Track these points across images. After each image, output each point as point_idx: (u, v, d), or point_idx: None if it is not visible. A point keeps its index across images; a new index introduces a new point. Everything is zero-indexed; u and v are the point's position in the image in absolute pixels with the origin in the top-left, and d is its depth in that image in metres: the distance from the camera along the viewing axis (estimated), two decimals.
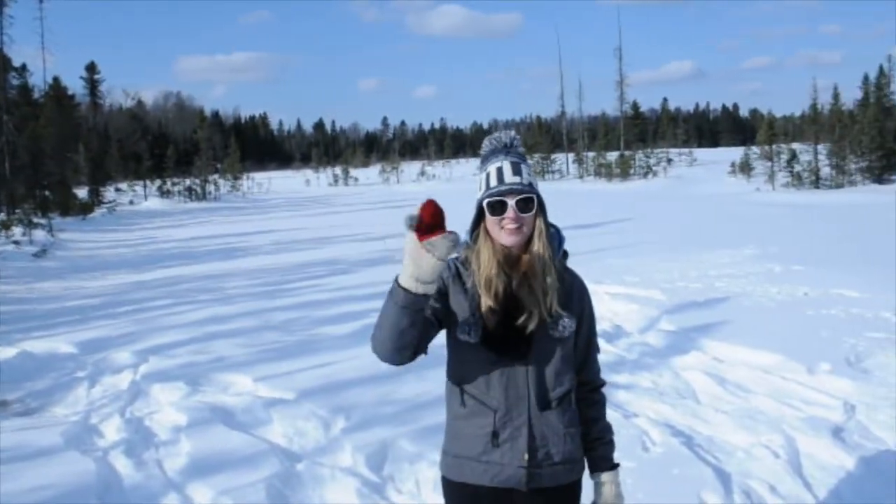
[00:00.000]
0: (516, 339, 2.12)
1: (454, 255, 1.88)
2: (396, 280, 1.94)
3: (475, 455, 2.17)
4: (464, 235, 2.22)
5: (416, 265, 1.88)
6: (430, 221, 1.85)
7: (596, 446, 2.30)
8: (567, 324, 2.16)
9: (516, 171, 2.13)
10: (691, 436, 4.75)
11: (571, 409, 2.23)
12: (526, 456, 2.14)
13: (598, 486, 2.30)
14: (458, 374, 2.22)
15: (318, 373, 6.24)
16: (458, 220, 2.23)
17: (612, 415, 4.80)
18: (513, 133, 2.26)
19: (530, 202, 2.11)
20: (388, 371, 6.09)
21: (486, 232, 2.15)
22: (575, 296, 2.23)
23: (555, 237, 2.22)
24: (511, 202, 2.09)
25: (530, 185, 2.13)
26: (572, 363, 2.23)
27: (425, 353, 2.14)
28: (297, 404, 5.48)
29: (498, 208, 2.10)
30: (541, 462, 2.15)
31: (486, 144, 2.26)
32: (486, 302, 2.12)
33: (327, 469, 4.40)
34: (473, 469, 2.18)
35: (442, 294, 2.18)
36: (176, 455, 4.71)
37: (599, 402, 2.35)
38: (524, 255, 2.14)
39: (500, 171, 2.14)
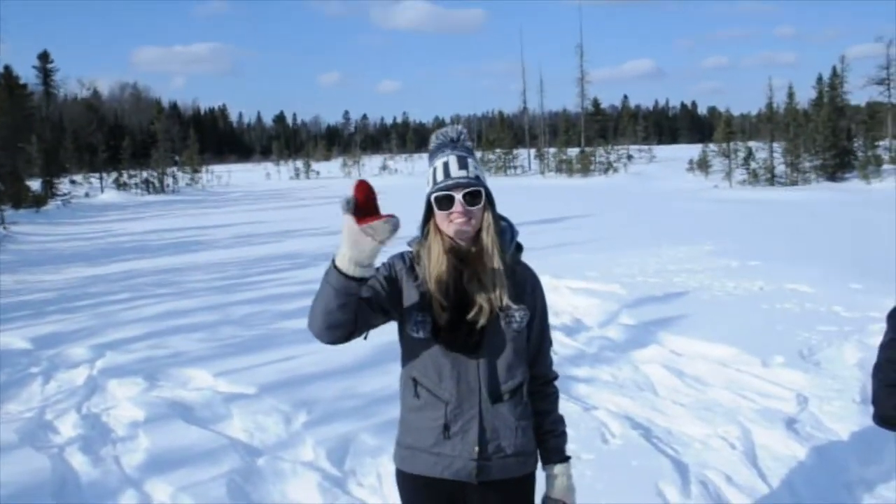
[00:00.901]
0: (467, 334, 2.13)
1: (390, 236, 1.89)
2: (333, 262, 1.92)
3: (427, 447, 2.18)
4: (415, 231, 2.23)
5: (357, 248, 1.87)
6: (365, 203, 1.85)
7: (547, 439, 2.30)
8: (520, 317, 2.17)
9: (462, 164, 2.13)
10: (650, 428, 4.82)
11: (523, 402, 2.23)
12: (476, 449, 2.15)
13: (549, 479, 2.30)
14: (412, 367, 2.22)
15: (278, 367, 6.19)
16: (419, 215, 2.24)
17: (571, 407, 4.87)
18: (460, 127, 2.25)
19: (477, 195, 2.11)
20: (349, 365, 6.08)
21: (436, 227, 2.15)
22: (528, 289, 2.23)
23: (506, 231, 2.22)
24: (458, 196, 2.09)
25: (477, 178, 2.13)
26: (524, 356, 2.23)
27: (364, 337, 2.13)
28: (258, 399, 5.44)
29: (445, 202, 2.10)
30: (491, 455, 2.16)
31: (434, 140, 2.26)
32: (437, 298, 2.12)
33: (288, 464, 4.38)
34: (425, 461, 2.19)
35: (395, 286, 2.18)
36: (134, 451, 4.64)
37: (552, 395, 2.34)
38: (473, 248, 2.15)
39: (446, 165, 2.14)
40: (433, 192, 2.13)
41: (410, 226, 2.21)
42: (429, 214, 2.17)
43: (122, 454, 4.61)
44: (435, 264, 2.13)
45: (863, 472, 4.10)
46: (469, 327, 2.12)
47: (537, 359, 2.29)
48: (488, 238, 2.13)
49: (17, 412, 5.47)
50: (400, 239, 1.99)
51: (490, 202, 2.16)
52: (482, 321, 2.11)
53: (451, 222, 2.11)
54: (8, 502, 3.95)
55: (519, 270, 2.23)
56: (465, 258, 2.15)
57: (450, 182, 2.10)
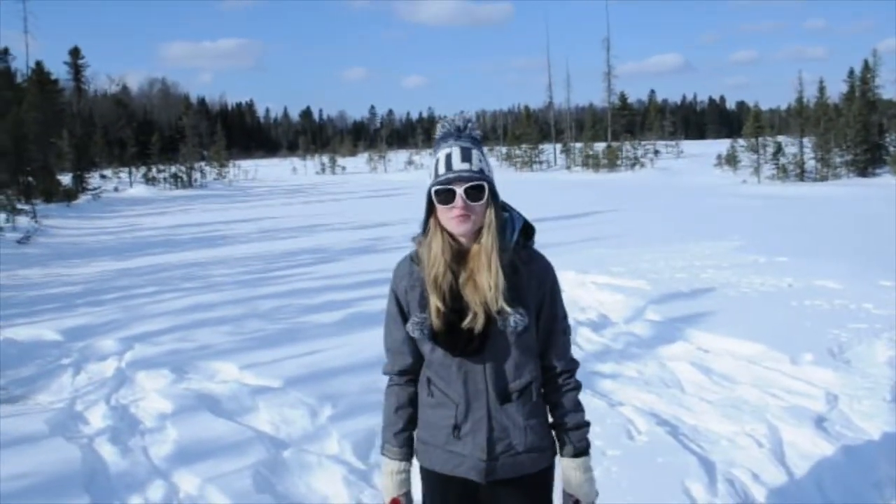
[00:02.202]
0: (467, 338, 2.06)
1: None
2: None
3: (440, 444, 2.18)
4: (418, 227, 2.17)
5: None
6: None
7: (560, 433, 2.22)
8: (516, 321, 2.05)
9: (466, 157, 2.03)
10: (676, 425, 4.78)
11: (533, 399, 2.16)
12: (485, 450, 2.12)
13: (563, 472, 2.23)
14: (427, 366, 2.20)
15: (304, 361, 6.23)
16: None
17: (597, 403, 4.85)
18: (468, 116, 2.13)
19: (480, 190, 2.02)
20: (374, 359, 6.08)
21: (437, 223, 2.07)
22: (533, 284, 2.12)
23: (509, 223, 2.12)
24: (459, 190, 2.00)
25: (481, 171, 2.03)
26: (534, 353, 2.16)
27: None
28: (284, 392, 5.47)
29: (446, 197, 2.02)
30: (499, 455, 2.12)
31: (439, 129, 2.13)
32: (434, 301, 2.06)
33: (314, 456, 4.40)
34: (439, 457, 2.19)
35: (404, 295, 2.18)
36: (162, 442, 4.69)
37: (563, 388, 2.21)
38: (474, 245, 2.06)
39: (448, 157, 2.04)
40: (433, 186, 2.04)
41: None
42: (430, 209, 2.08)
43: (150, 445, 4.67)
44: (433, 265, 2.06)
45: (893, 472, 4.04)
46: (468, 333, 2.05)
47: (547, 351, 2.19)
48: (489, 237, 2.03)
49: (48, 403, 5.56)
50: (405, 235, 1.96)
51: (494, 197, 2.07)
52: (478, 327, 2.04)
53: (451, 218, 2.03)
54: (39, 491, 4.02)
55: (521, 267, 2.11)
56: (462, 258, 2.08)
57: (451, 175, 2.01)
